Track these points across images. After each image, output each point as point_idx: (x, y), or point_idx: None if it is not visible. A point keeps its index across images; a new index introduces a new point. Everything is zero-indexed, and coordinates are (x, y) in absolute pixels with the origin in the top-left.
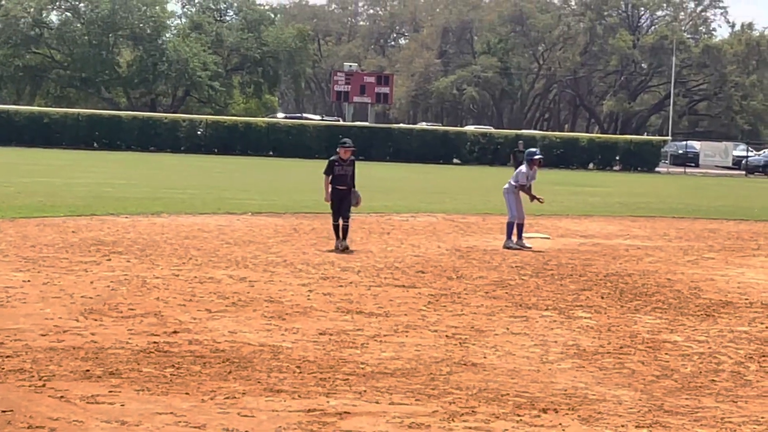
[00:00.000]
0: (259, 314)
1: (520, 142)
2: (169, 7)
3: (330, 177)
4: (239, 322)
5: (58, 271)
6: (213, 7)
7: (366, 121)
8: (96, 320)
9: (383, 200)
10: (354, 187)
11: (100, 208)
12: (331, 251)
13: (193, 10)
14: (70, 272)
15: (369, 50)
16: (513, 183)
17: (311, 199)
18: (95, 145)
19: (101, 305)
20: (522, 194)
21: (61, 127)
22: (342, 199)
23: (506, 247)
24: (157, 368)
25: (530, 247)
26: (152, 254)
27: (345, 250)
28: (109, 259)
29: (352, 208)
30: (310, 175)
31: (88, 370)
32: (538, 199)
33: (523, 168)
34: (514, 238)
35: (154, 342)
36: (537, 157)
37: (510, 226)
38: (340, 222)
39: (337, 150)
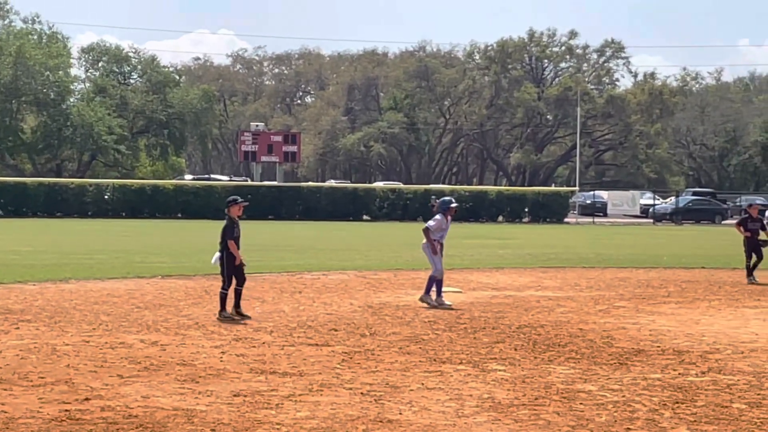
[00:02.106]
0: (171, 378)
1: (433, 197)
2: (73, 71)
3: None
4: (152, 387)
5: None
6: (117, 70)
7: (274, 180)
8: (6, 390)
9: (294, 259)
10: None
11: (7, 276)
12: (234, 317)
13: (97, 74)
14: None
15: (275, 109)
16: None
17: None
18: (0, 212)
19: (11, 374)
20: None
21: None
22: (240, 265)
23: (422, 299)
24: None
25: (450, 305)
26: (61, 321)
27: (245, 316)
28: (18, 328)
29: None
30: (219, 237)
31: None
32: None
33: (438, 216)
34: (433, 294)
35: (66, 410)
36: (453, 205)
37: (431, 279)
38: (233, 287)
39: (227, 210)
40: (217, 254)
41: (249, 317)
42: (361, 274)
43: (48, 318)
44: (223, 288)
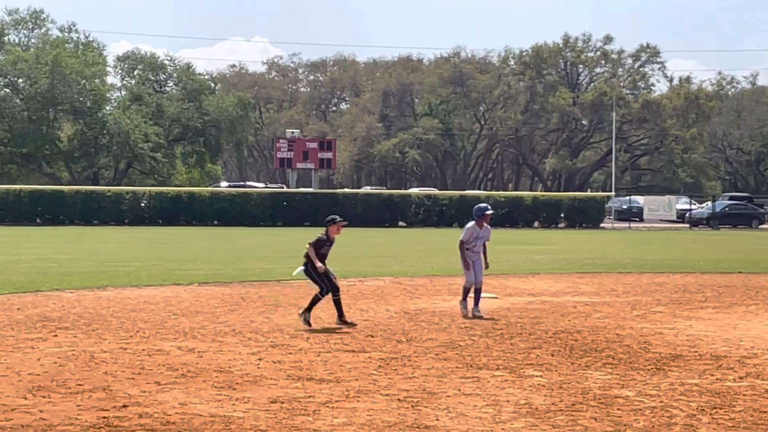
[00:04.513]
0: (209, 385)
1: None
2: (109, 79)
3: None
4: (189, 394)
5: (4, 349)
6: (152, 78)
7: (310, 186)
8: (44, 397)
9: (330, 265)
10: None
11: (45, 284)
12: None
13: (133, 81)
14: (16, 350)
15: (311, 116)
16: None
17: (258, 268)
18: (38, 220)
19: (49, 382)
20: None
21: (4, 204)
22: (326, 274)
23: (464, 314)
24: None
25: (482, 317)
26: (99, 328)
27: (348, 324)
28: (56, 335)
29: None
30: (255, 244)
31: None
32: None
33: (469, 225)
34: (470, 302)
35: (104, 417)
36: (489, 212)
37: (465, 290)
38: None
39: (326, 229)
40: (301, 268)
41: (354, 324)
42: (397, 280)
43: (85, 325)
44: (319, 293)
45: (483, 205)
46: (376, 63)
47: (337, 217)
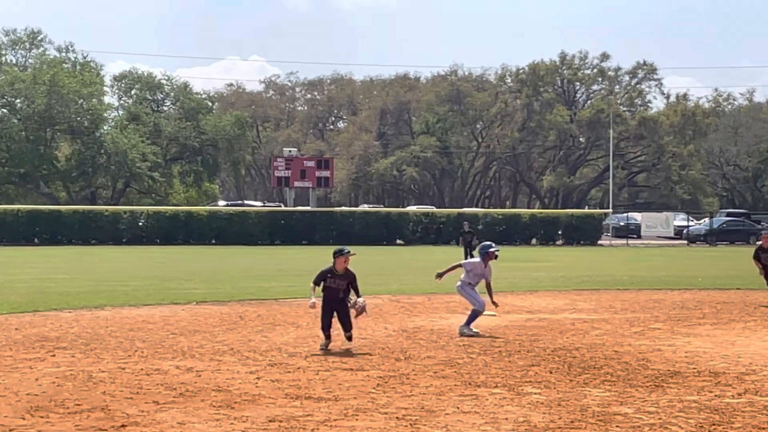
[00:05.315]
0: (207, 404)
1: (465, 223)
2: (106, 99)
3: (316, 288)
4: (188, 413)
5: (2, 369)
6: (150, 97)
7: (308, 205)
8: (42, 417)
9: None
10: (358, 296)
11: (43, 304)
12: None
13: (130, 101)
14: (14, 370)
15: (308, 135)
16: (465, 273)
17: (256, 286)
18: (36, 240)
19: (47, 402)
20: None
21: (1, 224)
22: (337, 310)
23: (461, 333)
24: None
25: (477, 332)
26: (97, 348)
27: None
28: (54, 355)
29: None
30: (253, 262)
31: None
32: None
33: (475, 259)
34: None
35: None
36: (492, 250)
37: (475, 313)
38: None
39: (333, 263)
40: (313, 299)
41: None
42: (395, 298)
43: (84, 345)
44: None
45: (488, 243)
46: (373, 81)
47: (345, 248)
